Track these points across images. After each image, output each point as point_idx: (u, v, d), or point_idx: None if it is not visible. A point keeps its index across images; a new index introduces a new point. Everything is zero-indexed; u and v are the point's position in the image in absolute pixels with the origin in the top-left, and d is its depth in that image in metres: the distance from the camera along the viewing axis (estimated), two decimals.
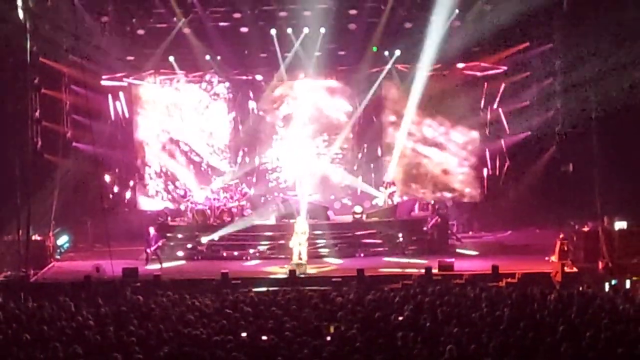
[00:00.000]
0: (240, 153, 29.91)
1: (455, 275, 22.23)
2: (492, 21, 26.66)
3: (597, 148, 24.40)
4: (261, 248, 26.27)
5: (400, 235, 26.15)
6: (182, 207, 27.89)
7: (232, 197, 27.83)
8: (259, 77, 29.66)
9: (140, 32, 27.92)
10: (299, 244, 24.22)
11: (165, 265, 24.94)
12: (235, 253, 26.23)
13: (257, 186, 29.28)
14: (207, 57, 28.52)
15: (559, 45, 27.14)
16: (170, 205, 28.96)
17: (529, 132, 28.60)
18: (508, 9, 25.92)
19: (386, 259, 25.44)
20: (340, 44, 28.66)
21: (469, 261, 24.55)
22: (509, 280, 21.85)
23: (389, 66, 28.81)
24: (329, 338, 14.15)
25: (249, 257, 26.11)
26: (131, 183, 30.04)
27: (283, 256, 25.20)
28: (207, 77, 29.44)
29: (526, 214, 28.42)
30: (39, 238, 25.56)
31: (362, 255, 26.11)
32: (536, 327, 14.28)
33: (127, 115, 29.74)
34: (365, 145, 29.83)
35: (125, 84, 29.26)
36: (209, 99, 29.97)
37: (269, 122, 30.08)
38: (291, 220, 25.45)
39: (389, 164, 29.71)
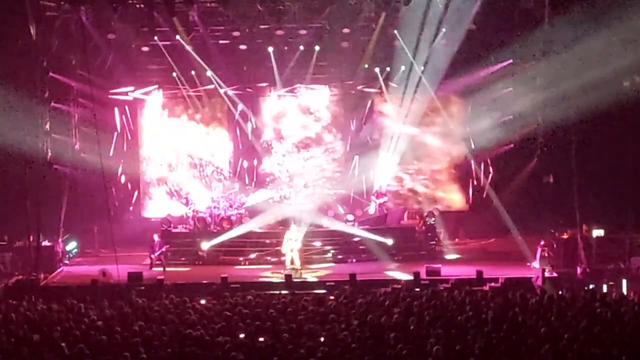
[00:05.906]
0: (239, 164, 29.92)
1: (442, 280, 22.22)
2: (477, 40, 26.82)
3: (576, 160, 24.51)
4: (259, 254, 26.26)
5: (390, 242, 26.19)
6: (184, 215, 27.86)
7: (231, 206, 27.87)
8: (256, 92, 29.71)
9: (145, 48, 28.00)
10: (290, 250, 24.29)
11: (168, 269, 24.95)
12: (234, 258, 26.22)
13: (255, 195, 29.29)
14: (208, 72, 28.61)
15: (540, 62, 27.21)
16: (173, 213, 28.93)
17: (512, 145, 28.70)
18: (493, 28, 26.10)
19: (377, 264, 25.46)
20: (333, 61, 28.79)
21: (454, 267, 24.57)
22: (493, 284, 21.84)
23: (379, 82, 28.90)
24: (322, 339, 14.15)
25: (247, 263, 26.11)
26: (136, 192, 30.02)
27: (279, 262, 25.19)
28: (208, 91, 29.46)
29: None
30: (48, 244, 25.61)
31: (354, 260, 26.11)
32: (518, 329, 14.32)
33: (132, 127, 29.82)
34: (357, 157, 29.84)
35: (130, 98, 29.30)
36: (209, 112, 30.01)
37: (266, 134, 30.11)
38: (287, 228, 25.47)
39: (380, 175, 29.74)
